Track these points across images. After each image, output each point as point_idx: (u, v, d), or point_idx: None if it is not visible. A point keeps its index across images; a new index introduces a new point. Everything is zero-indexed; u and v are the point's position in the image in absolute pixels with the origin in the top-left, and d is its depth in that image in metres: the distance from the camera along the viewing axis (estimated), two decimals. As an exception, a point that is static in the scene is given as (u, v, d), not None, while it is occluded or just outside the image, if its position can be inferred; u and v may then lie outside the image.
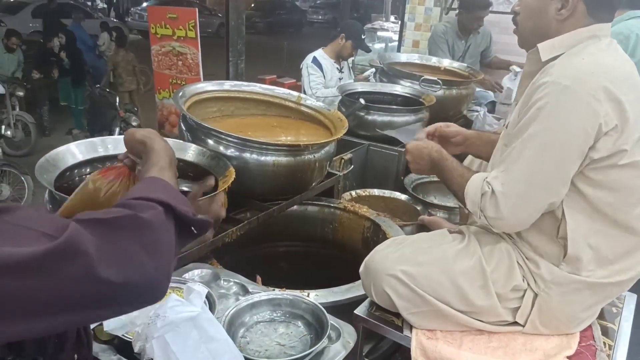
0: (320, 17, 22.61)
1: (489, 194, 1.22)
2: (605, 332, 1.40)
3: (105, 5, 20.33)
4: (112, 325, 1.10)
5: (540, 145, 1.17)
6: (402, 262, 1.34)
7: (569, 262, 1.25)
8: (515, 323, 1.32)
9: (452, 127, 1.70)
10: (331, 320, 1.29)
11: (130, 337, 1.08)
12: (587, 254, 1.24)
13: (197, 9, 4.09)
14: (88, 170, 1.66)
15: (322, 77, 3.57)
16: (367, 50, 3.95)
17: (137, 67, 7.06)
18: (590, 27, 1.25)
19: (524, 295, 1.30)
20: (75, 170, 1.62)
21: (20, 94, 6.10)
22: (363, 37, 3.68)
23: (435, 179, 2.67)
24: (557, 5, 1.25)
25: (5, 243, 0.58)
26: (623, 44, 2.56)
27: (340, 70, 3.72)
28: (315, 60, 3.59)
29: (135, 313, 1.04)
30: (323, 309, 1.30)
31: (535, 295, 1.29)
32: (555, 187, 1.19)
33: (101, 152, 1.66)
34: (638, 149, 1.18)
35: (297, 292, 1.43)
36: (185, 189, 1.82)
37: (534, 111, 1.17)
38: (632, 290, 1.53)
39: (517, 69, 3.59)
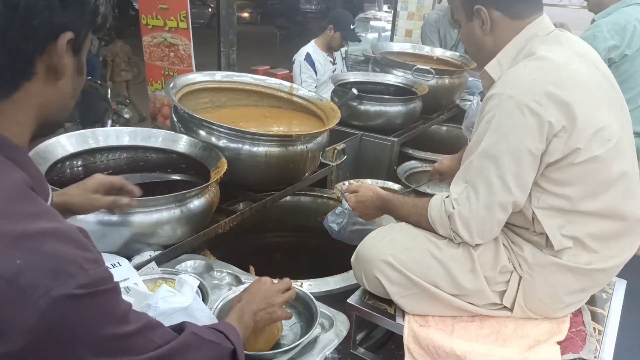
0: (313, 6, 22.44)
1: (457, 214, 1.26)
2: (595, 317, 1.41)
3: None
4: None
5: (494, 158, 1.20)
6: (391, 248, 1.36)
7: (551, 248, 1.27)
8: (505, 307, 1.34)
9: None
10: (324, 309, 1.30)
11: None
12: (568, 242, 1.26)
13: (188, 0, 4.06)
14: (79, 162, 1.66)
15: (314, 74, 3.55)
16: (357, 39, 3.91)
17: (132, 58, 6.98)
18: (524, 31, 1.29)
19: (510, 279, 1.32)
20: (67, 163, 1.61)
21: None
22: (352, 26, 3.64)
23: (429, 168, 2.71)
24: (479, 23, 1.32)
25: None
26: (619, 35, 2.53)
27: (333, 62, 3.71)
28: (308, 58, 3.55)
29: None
30: (312, 297, 1.31)
31: (520, 277, 1.31)
32: (516, 193, 1.22)
33: (92, 144, 1.66)
34: (595, 144, 1.19)
35: (289, 282, 1.44)
36: (177, 177, 1.83)
37: (484, 124, 1.22)
38: (621, 275, 1.55)
39: None
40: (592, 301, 1.47)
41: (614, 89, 1.31)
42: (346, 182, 2.41)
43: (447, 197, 1.30)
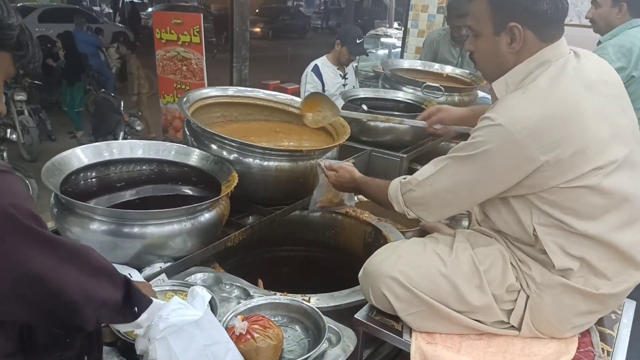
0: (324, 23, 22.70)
1: (414, 195, 1.38)
2: (603, 338, 1.41)
3: (111, 11, 20.45)
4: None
5: (466, 168, 1.26)
6: (399, 264, 1.37)
7: (559, 269, 1.26)
8: (512, 326, 1.34)
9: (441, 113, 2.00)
10: (331, 324, 1.30)
11: (133, 339, 1.10)
12: (572, 263, 1.25)
13: (201, 15, 4.13)
14: (94, 174, 1.69)
15: (321, 86, 3.59)
16: (364, 53, 3.93)
17: (141, 71, 7.08)
18: (539, 54, 1.27)
19: (517, 298, 1.31)
20: (81, 174, 1.65)
21: (22, 97, 6.05)
22: (359, 41, 3.66)
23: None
24: (507, 40, 1.28)
25: None
26: (626, 57, 2.53)
27: (344, 77, 3.74)
28: (315, 69, 3.59)
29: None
30: (320, 312, 1.31)
31: (528, 297, 1.31)
32: (476, 199, 1.33)
33: (106, 157, 1.69)
34: (588, 173, 1.18)
35: (297, 296, 1.45)
36: (189, 190, 1.85)
37: (472, 139, 1.25)
38: (631, 296, 1.54)
39: None
40: (600, 322, 1.46)
41: (625, 112, 1.30)
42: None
43: (404, 179, 1.42)
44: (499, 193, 1.28)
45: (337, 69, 3.70)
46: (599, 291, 1.26)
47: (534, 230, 1.26)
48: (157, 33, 4.20)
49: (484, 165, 1.23)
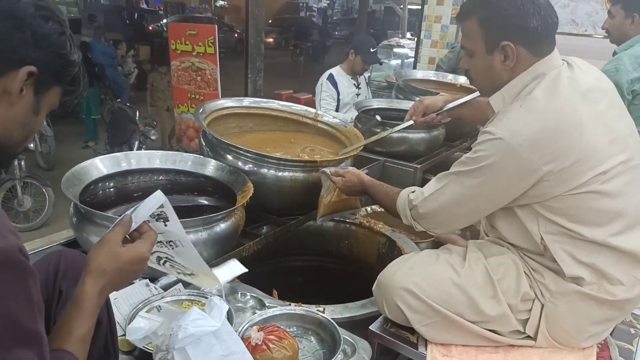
0: (337, 33, 22.82)
1: (420, 209, 1.40)
2: (622, 353, 1.39)
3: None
4: (134, 335, 1.13)
5: (471, 183, 1.28)
6: (411, 276, 1.37)
7: (570, 276, 1.26)
8: (528, 336, 1.33)
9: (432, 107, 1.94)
10: (346, 335, 1.31)
11: (151, 349, 1.11)
12: (584, 271, 1.25)
13: (216, 26, 4.19)
14: (112, 184, 1.71)
15: (336, 95, 3.61)
16: (377, 62, 3.95)
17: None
18: (533, 67, 1.29)
19: (532, 307, 1.31)
20: (100, 184, 1.67)
21: None
22: (373, 50, 3.69)
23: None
24: (501, 58, 1.30)
25: None
26: None
27: (357, 86, 3.76)
28: (331, 78, 3.63)
29: (157, 324, 1.07)
30: (336, 324, 1.31)
31: (542, 305, 1.30)
32: (483, 211, 1.35)
33: (124, 167, 1.72)
34: (590, 180, 1.19)
35: (311, 307, 1.45)
36: (204, 200, 1.87)
37: (471, 154, 1.28)
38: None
39: None
40: (619, 336, 1.44)
41: (621, 117, 1.31)
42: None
43: (412, 191, 1.45)
44: (505, 204, 1.29)
45: (351, 78, 3.73)
46: (615, 298, 1.26)
47: (542, 239, 1.27)
48: (173, 44, 4.26)
49: (487, 178, 1.25)
